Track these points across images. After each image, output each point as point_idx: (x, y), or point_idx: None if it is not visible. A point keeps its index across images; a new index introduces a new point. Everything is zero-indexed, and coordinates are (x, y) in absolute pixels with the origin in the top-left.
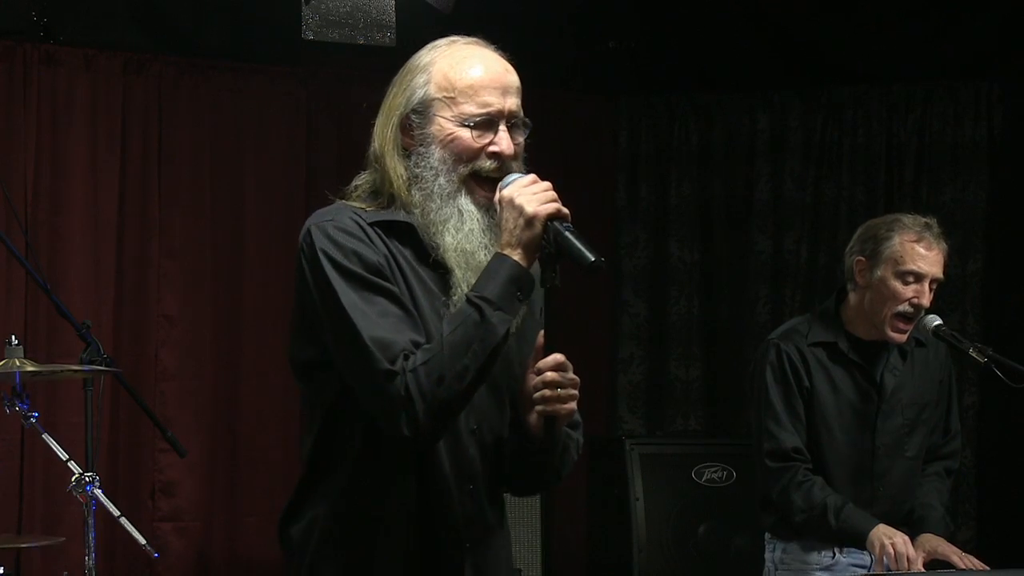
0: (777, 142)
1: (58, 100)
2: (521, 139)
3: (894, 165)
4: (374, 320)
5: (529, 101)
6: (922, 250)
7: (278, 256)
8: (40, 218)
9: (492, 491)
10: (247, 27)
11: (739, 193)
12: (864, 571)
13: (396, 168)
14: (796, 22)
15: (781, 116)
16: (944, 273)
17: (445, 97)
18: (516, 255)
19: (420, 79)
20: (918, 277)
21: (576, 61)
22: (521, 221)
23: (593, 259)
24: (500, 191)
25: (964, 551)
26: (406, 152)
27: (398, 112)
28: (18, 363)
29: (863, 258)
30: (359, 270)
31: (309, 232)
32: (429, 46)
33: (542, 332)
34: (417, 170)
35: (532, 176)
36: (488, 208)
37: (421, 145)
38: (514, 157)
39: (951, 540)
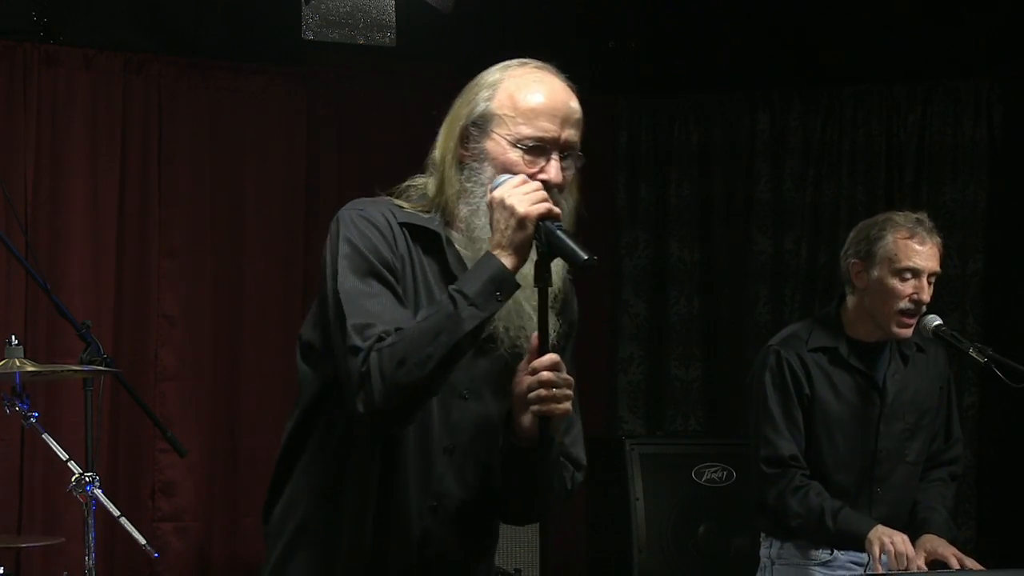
0: (777, 142)
1: (58, 100)
2: (571, 172)
3: (894, 165)
4: (366, 305)
5: None
6: (916, 246)
7: (278, 256)
8: (40, 218)
9: (469, 517)
10: (247, 27)
11: (739, 193)
12: (861, 568)
13: (452, 178)
14: (796, 22)
15: (781, 116)
16: (941, 266)
17: (505, 115)
18: (505, 256)
19: (484, 94)
20: (915, 273)
21: (576, 61)
22: (513, 222)
23: (586, 257)
24: (491, 192)
25: (964, 552)
26: (460, 164)
27: (460, 123)
28: (18, 363)
29: (858, 260)
30: (371, 258)
31: (338, 217)
32: (502, 65)
33: (535, 334)
34: (468, 184)
35: (522, 176)
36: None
37: (475, 160)
38: (560, 188)
39: (954, 544)
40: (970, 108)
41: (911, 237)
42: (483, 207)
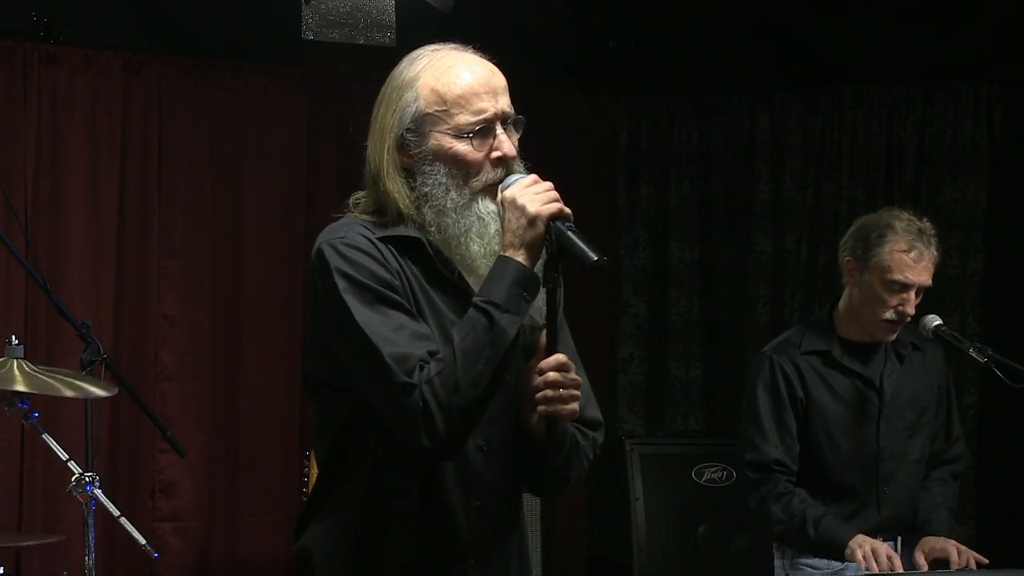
0: (777, 142)
1: (58, 100)
2: (517, 137)
3: (894, 165)
4: (389, 335)
5: (529, 101)
6: (911, 261)
7: (278, 256)
8: (40, 218)
9: (510, 506)
10: (247, 27)
11: (739, 193)
12: None
13: (399, 190)
14: (796, 22)
15: (781, 116)
16: (933, 277)
17: (438, 111)
18: (519, 256)
19: (408, 95)
20: (905, 287)
21: (576, 61)
22: (524, 221)
23: (596, 258)
24: (502, 191)
25: None
26: (408, 172)
27: (392, 133)
28: (17, 365)
29: (853, 259)
30: (373, 285)
31: (320, 250)
32: (408, 59)
33: (544, 332)
34: (425, 189)
35: (533, 176)
36: None
37: (424, 164)
38: (515, 157)
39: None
40: (970, 108)
41: (908, 251)
42: (449, 205)
